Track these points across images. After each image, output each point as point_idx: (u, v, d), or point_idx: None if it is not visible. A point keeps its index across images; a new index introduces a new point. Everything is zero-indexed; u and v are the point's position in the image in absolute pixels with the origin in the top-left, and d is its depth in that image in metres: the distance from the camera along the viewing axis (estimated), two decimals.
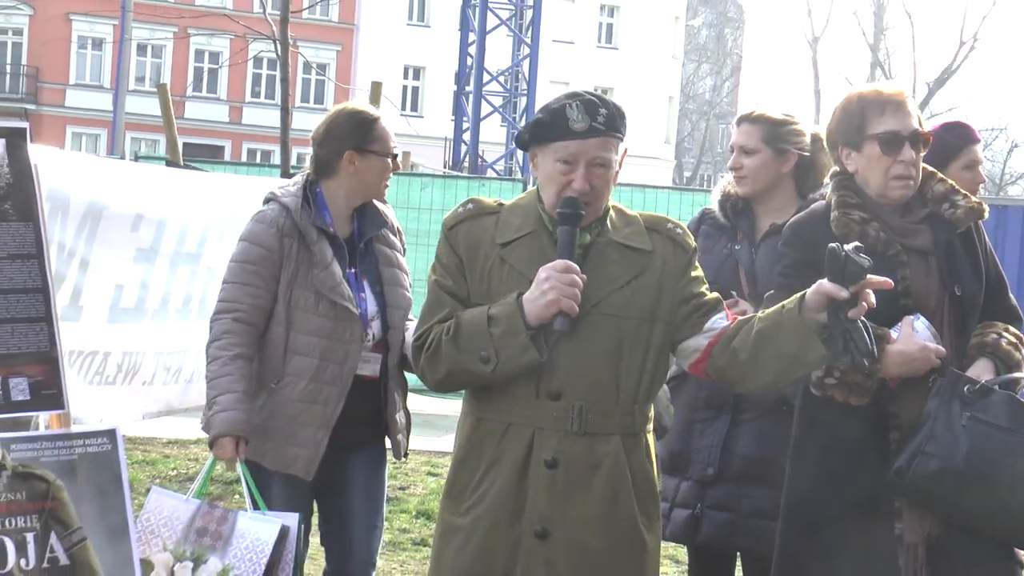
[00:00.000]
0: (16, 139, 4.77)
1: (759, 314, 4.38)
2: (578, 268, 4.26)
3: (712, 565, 5.83)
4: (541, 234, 4.40)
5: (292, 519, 5.40)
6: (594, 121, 4.30)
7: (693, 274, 4.44)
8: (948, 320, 4.87)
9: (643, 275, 4.37)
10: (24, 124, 4.86)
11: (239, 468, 5.62)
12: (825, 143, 5.11)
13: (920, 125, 4.90)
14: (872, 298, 4.12)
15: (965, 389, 4.75)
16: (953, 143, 6.17)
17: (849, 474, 4.81)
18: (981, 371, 4.83)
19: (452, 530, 4.46)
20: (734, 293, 5.50)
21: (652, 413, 4.53)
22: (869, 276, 4.10)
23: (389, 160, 5.82)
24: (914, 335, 4.74)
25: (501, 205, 4.55)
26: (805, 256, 4.92)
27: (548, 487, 4.30)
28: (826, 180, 5.53)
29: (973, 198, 4.97)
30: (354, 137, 5.75)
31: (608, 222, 4.44)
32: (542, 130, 4.38)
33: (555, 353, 4.29)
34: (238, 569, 5.35)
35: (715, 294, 4.52)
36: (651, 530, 4.40)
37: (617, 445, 4.32)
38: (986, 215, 4.96)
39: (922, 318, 4.78)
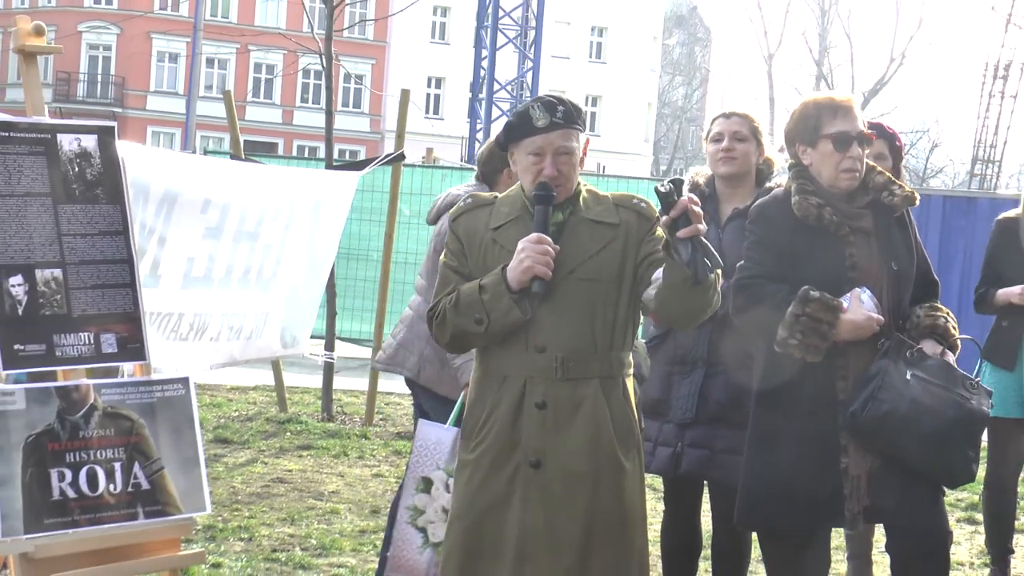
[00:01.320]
0: (106, 136, 4.78)
1: None
2: (550, 240, 4.28)
3: (685, 493, 5.83)
4: (525, 217, 4.41)
5: None
6: (554, 117, 4.32)
7: (653, 236, 4.41)
8: (887, 291, 4.91)
9: (611, 244, 4.37)
10: (112, 123, 4.87)
11: None
12: (784, 141, 5.12)
13: (864, 127, 4.94)
14: (692, 214, 3.97)
15: (908, 353, 4.82)
16: None
17: (802, 414, 4.84)
18: (932, 348, 4.92)
19: (463, 465, 4.49)
20: None
21: (632, 361, 4.54)
22: (679, 200, 3.99)
23: None
24: (861, 306, 4.78)
25: (496, 198, 4.58)
26: (768, 233, 4.96)
27: (539, 425, 4.32)
28: (776, 171, 5.57)
29: (907, 187, 5.00)
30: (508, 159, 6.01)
31: (581, 202, 4.44)
32: (513, 131, 4.42)
33: (539, 313, 4.31)
34: None
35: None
36: (629, 457, 4.39)
37: (596, 387, 4.33)
38: (917, 202, 4.99)
39: (867, 290, 4.82)
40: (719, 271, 4.15)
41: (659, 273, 4.32)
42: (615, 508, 4.35)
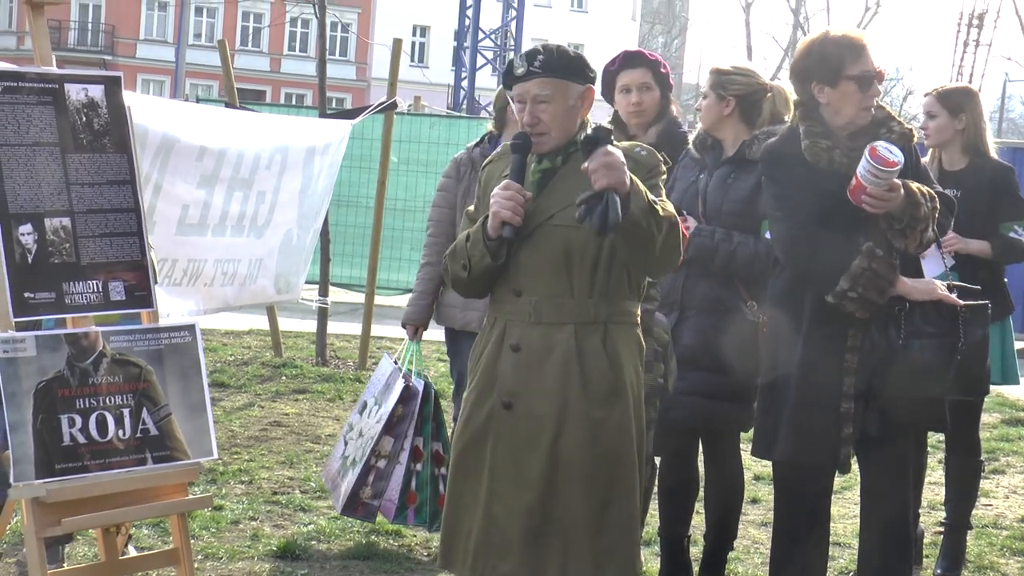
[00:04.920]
0: (113, 86, 4.74)
1: None
2: (519, 187, 4.26)
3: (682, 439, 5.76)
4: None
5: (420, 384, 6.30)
6: (531, 66, 4.30)
7: (648, 184, 4.30)
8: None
9: None
10: (119, 73, 4.83)
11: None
12: (791, 76, 5.00)
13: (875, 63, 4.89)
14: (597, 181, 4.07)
15: (896, 309, 4.76)
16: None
17: (811, 353, 4.83)
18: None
19: (464, 401, 4.51)
20: (684, 212, 5.46)
21: (635, 311, 4.46)
22: (596, 152, 4.10)
23: None
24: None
25: None
26: (787, 178, 4.88)
27: (513, 367, 4.35)
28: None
29: (906, 125, 4.95)
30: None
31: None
32: (504, 79, 4.45)
33: (520, 259, 4.33)
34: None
35: None
36: (605, 405, 4.29)
37: (570, 333, 4.31)
38: (916, 139, 4.93)
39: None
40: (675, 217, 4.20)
41: None
42: (583, 454, 4.29)
